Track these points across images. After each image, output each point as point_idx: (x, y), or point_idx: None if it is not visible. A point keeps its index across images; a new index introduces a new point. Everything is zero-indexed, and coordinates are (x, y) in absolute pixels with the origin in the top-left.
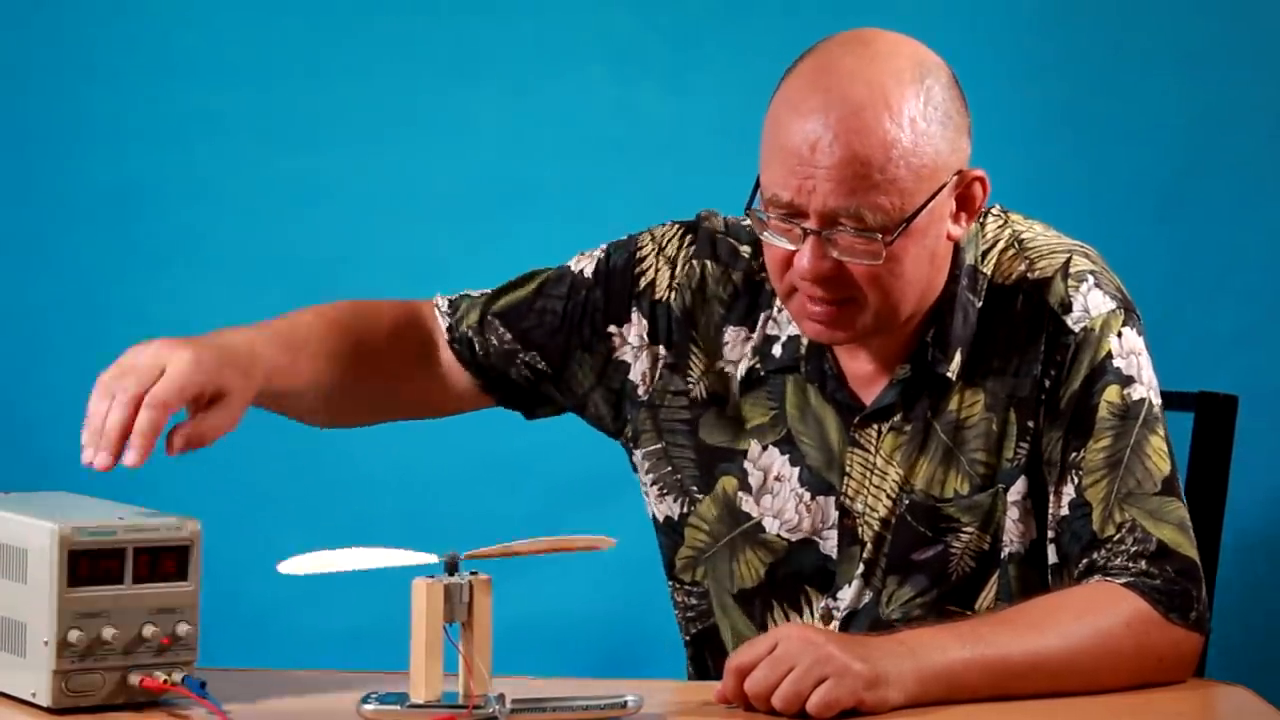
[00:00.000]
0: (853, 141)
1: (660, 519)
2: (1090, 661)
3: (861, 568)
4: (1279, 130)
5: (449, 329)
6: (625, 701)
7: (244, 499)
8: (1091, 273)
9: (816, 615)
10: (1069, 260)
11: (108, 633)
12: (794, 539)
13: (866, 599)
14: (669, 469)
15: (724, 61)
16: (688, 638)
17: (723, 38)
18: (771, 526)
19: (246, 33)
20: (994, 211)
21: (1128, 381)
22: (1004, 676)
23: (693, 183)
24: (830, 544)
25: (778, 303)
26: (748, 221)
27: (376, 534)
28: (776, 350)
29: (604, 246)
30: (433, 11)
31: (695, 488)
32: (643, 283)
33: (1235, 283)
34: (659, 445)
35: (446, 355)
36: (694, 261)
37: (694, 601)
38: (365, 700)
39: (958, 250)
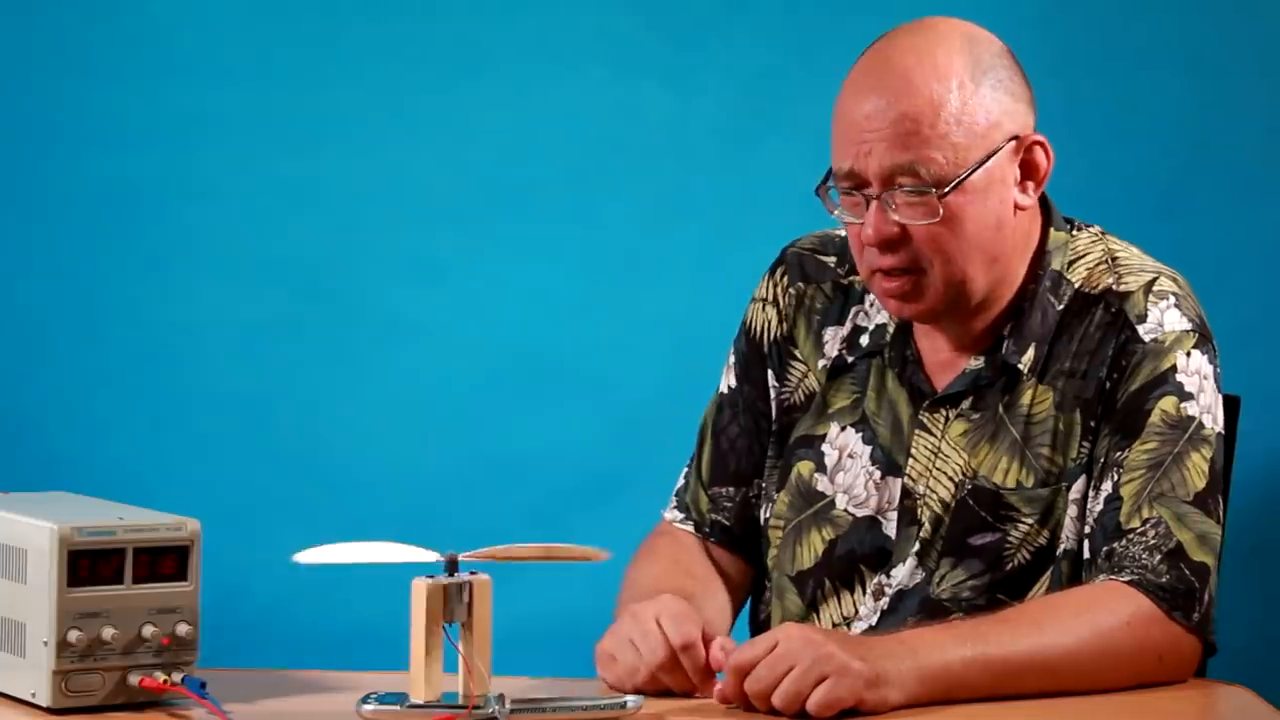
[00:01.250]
0: (902, 103)
1: (761, 529)
2: (1089, 659)
3: (917, 546)
4: (1278, 130)
5: (698, 527)
6: (625, 702)
7: (244, 499)
8: (1175, 294)
9: (868, 592)
10: (1155, 279)
11: (107, 633)
12: (859, 514)
13: (918, 579)
14: (765, 481)
15: (724, 61)
16: (751, 630)
17: (723, 38)
18: (841, 503)
19: (245, 33)
20: (1092, 229)
21: (1186, 397)
22: (1004, 675)
23: (693, 183)
24: (892, 525)
25: (869, 298)
26: (834, 230)
27: (376, 534)
28: (864, 340)
29: (730, 351)
30: (433, 11)
31: (775, 490)
32: (764, 341)
33: (1235, 282)
34: (767, 462)
35: (716, 552)
36: (790, 290)
37: (767, 595)
38: (365, 700)
39: (1043, 254)
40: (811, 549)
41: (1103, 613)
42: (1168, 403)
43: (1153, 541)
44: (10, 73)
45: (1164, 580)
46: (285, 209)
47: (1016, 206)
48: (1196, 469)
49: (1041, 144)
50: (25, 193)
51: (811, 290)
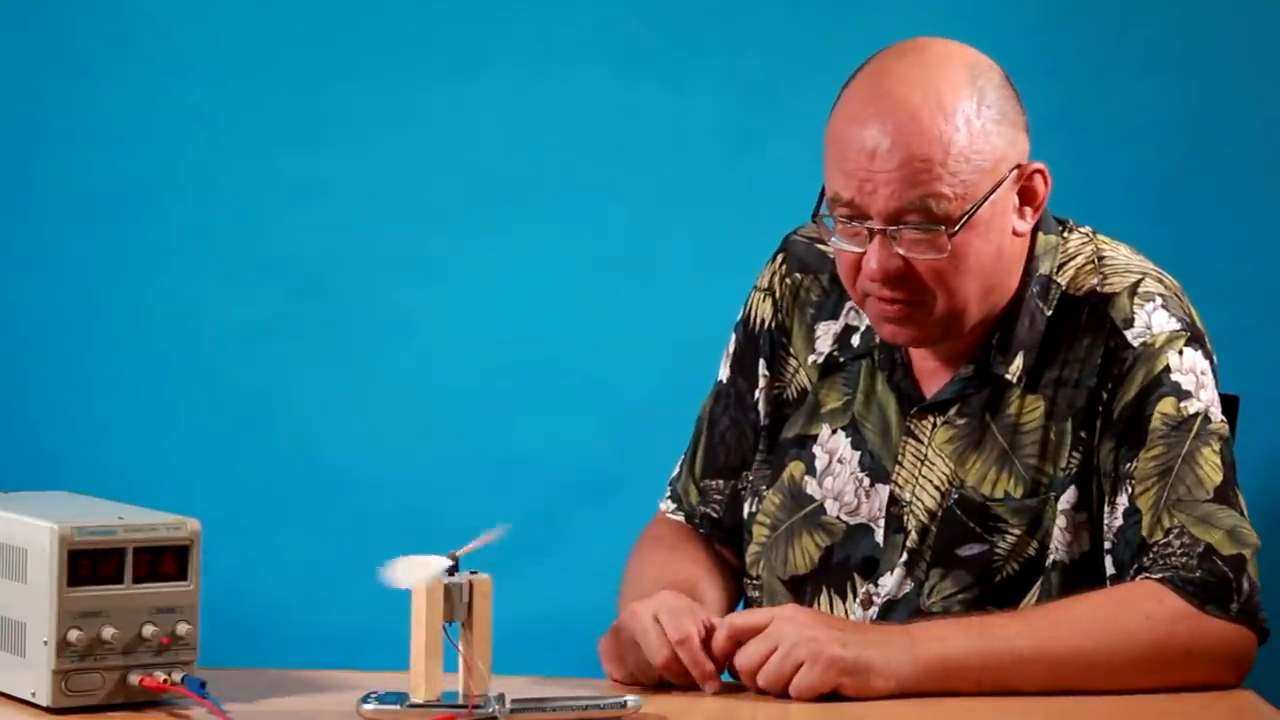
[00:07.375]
0: (911, 144)
1: (744, 522)
2: (1104, 656)
3: (905, 556)
4: (1277, 130)
5: (689, 518)
6: (625, 701)
7: (244, 499)
8: (1161, 295)
9: (857, 600)
10: (1141, 280)
11: (107, 632)
12: (852, 522)
13: (908, 589)
14: (754, 475)
15: (724, 61)
16: None
17: (723, 38)
18: (832, 509)
19: (244, 32)
20: (1082, 229)
21: (1184, 395)
22: (1006, 669)
23: (693, 183)
24: (881, 532)
25: None
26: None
27: (376, 534)
28: (855, 340)
29: (730, 338)
30: (432, 10)
31: (764, 485)
32: (759, 332)
33: (1235, 282)
34: (758, 457)
35: (707, 543)
36: (787, 280)
37: (756, 595)
38: (365, 700)
39: (1033, 259)
40: (805, 554)
41: (1121, 608)
42: (1167, 404)
43: (1180, 552)
44: (6, 71)
45: (1195, 575)
46: (283, 208)
47: (1014, 232)
48: (1209, 464)
49: (1041, 171)
50: (22, 191)
51: (809, 281)
